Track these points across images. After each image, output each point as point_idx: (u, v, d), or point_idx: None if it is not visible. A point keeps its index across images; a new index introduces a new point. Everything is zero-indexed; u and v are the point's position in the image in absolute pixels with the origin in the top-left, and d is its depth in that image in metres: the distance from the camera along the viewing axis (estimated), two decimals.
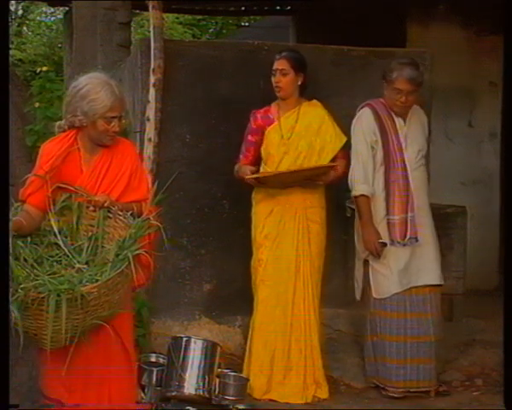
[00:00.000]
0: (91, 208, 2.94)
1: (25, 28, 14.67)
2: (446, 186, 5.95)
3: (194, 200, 4.66)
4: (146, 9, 5.09)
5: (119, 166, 3.04)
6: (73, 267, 2.80)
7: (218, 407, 3.73)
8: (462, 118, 6.41)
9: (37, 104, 4.70)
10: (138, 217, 2.93)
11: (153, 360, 3.88)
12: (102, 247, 2.90)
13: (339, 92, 4.77)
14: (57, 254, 2.87)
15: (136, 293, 4.27)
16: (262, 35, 7.97)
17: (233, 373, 3.88)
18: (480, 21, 6.17)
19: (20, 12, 14.46)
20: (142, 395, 3.69)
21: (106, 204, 2.93)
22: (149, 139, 4.45)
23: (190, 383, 3.64)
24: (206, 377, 3.69)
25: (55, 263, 2.83)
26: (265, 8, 8.73)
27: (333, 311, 4.77)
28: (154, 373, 3.73)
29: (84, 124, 2.97)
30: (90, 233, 2.93)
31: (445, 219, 5.35)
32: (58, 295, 2.60)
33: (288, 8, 8.36)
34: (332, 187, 4.36)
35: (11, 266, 2.65)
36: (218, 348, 3.84)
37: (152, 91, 4.43)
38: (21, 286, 2.60)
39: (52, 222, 2.90)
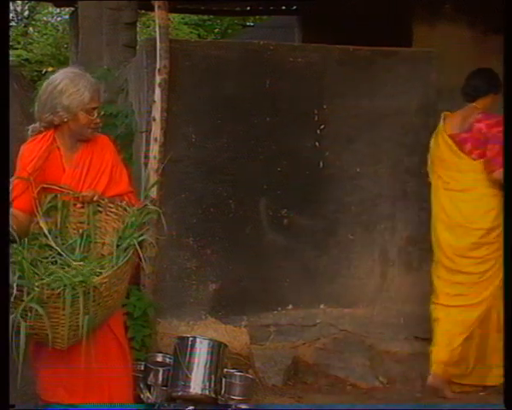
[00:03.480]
0: (79, 205, 2.93)
1: (31, 29, 14.70)
2: None
3: (199, 200, 4.66)
4: (152, 9, 5.09)
5: (100, 160, 3.02)
6: (69, 266, 2.78)
7: (223, 406, 3.74)
8: None
9: None
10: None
11: (159, 359, 3.88)
12: (95, 242, 2.90)
13: (344, 92, 4.77)
14: (50, 255, 2.85)
15: (143, 293, 4.30)
16: (268, 35, 7.98)
17: (239, 373, 3.88)
18: (486, 21, 6.15)
19: (27, 12, 14.50)
20: (149, 394, 3.69)
21: (95, 198, 2.93)
22: (155, 139, 4.45)
23: (196, 383, 3.64)
24: (213, 377, 3.68)
25: (50, 264, 2.81)
26: (271, 7, 8.72)
27: (338, 311, 4.77)
28: (160, 373, 3.73)
29: (65, 119, 2.94)
30: (80, 230, 2.92)
31: None
32: (73, 289, 2.59)
33: (294, 7, 8.36)
34: (329, 188, 4.35)
35: (24, 268, 2.62)
36: (224, 348, 3.84)
37: (158, 91, 4.43)
38: (36, 284, 2.58)
39: (41, 223, 2.87)
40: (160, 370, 3.72)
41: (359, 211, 4.82)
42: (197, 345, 3.72)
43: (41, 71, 10.94)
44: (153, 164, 4.43)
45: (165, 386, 3.70)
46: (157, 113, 4.45)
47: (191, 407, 3.60)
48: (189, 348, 3.72)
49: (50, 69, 4.99)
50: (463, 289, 4.33)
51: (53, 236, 2.88)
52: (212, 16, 11.87)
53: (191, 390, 3.62)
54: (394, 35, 5.65)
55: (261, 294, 4.66)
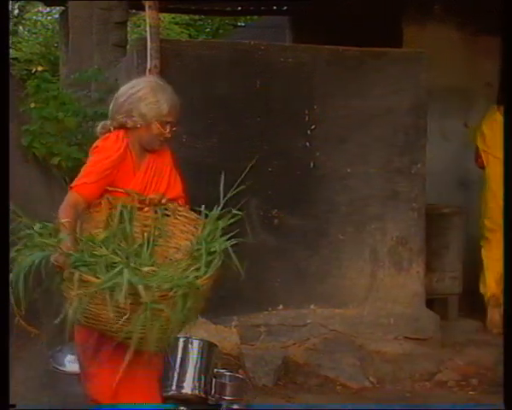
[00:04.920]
0: (146, 209, 2.92)
1: (21, 27, 14.64)
2: (443, 186, 5.96)
3: (190, 200, 4.64)
4: (142, 9, 5.08)
5: (162, 165, 3.03)
6: (140, 271, 2.69)
7: (214, 406, 3.73)
8: (459, 118, 6.41)
9: (32, 104, 4.69)
10: None
11: None
12: (160, 245, 2.88)
13: (334, 93, 4.78)
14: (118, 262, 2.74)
15: None
16: (258, 35, 7.98)
17: (229, 373, 3.88)
18: (475, 22, 6.18)
19: (16, 11, 14.44)
20: None
21: (163, 201, 2.94)
22: None
23: (187, 383, 3.63)
24: (203, 377, 3.67)
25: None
26: (262, 8, 8.72)
27: (328, 311, 4.78)
28: None
29: (138, 125, 2.94)
30: (145, 234, 2.89)
31: (442, 219, 5.38)
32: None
33: (285, 8, 8.36)
34: (320, 188, 4.36)
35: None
36: (215, 348, 3.83)
37: None
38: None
39: (115, 228, 2.80)
40: None
41: (350, 211, 4.83)
42: (188, 345, 3.71)
43: (30, 70, 10.87)
44: None
45: None
46: None
47: (182, 408, 3.60)
48: (179, 349, 3.71)
49: (40, 68, 4.95)
50: None
51: (118, 239, 2.84)
52: (202, 16, 11.86)
53: (182, 390, 3.62)
54: (385, 36, 5.67)
55: (251, 294, 4.66)
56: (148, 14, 4.44)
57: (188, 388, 3.63)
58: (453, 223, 5.38)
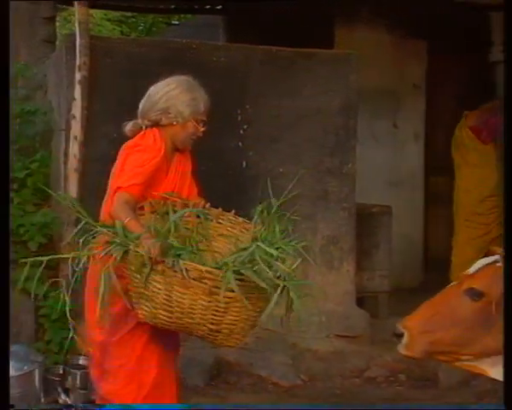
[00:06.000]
0: (187, 213, 2.89)
1: None
2: (373, 186, 6.06)
3: None
4: (72, 4, 4.99)
5: (185, 167, 3.03)
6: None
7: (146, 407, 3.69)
8: (388, 119, 6.53)
9: None
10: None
11: (81, 362, 3.81)
12: (202, 250, 2.86)
13: (267, 93, 4.80)
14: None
15: (59, 293, 4.20)
16: (193, 34, 7.92)
17: None
18: (403, 25, 6.31)
19: None
20: (67, 398, 3.63)
21: (207, 206, 2.94)
22: (75, 137, 4.37)
23: None
24: None
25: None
26: (196, 6, 8.67)
27: None
28: (78, 376, 3.67)
29: (174, 123, 2.91)
30: (186, 238, 2.86)
31: (371, 219, 5.47)
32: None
33: (219, 7, 8.33)
34: (252, 188, 4.35)
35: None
36: None
37: (78, 89, 4.35)
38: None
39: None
40: (78, 373, 3.67)
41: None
42: None
43: None
44: (72, 163, 4.35)
45: (84, 389, 3.64)
46: (77, 110, 4.37)
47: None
48: None
49: None
50: None
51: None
52: (135, 13, 11.71)
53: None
54: (317, 37, 5.72)
55: None
56: (77, 10, 4.36)
57: None
58: (382, 222, 5.47)
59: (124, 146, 2.97)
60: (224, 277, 2.46)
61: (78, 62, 4.33)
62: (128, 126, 3.01)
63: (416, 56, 6.42)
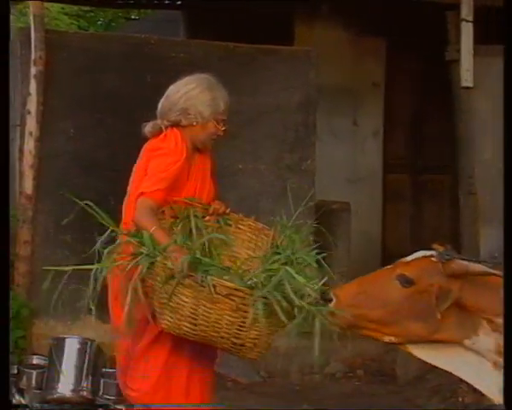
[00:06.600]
0: (207, 217, 2.84)
1: None
2: (332, 183, 6.09)
3: (78, 196, 4.51)
4: None
5: (204, 169, 2.96)
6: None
7: (102, 407, 3.65)
8: (347, 116, 6.57)
9: None
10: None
11: (34, 362, 3.75)
12: (221, 254, 2.84)
13: (225, 89, 4.77)
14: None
15: (16, 293, 4.13)
16: (152, 29, 7.86)
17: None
18: (361, 23, 6.35)
19: None
20: (21, 399, 3.57)
21: (227, 211, 2.89)
22: (30, 133, 4.31)
23: (70, 384, 3.55)
24: (90, 377, 3.60)
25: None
26: (155, 1, 8.60)
27: None
28: (34, 376, 3.61)
29: (195, 123, 2.83)
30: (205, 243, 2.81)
31: (330, 216, 5.48)
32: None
33: (179, 2, 8.28)
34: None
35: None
36: (98, 347, 3.76)
37: (33, 83, 4.29)
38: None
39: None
40: (34, 372, 3.61)
41: (240, 208, 4.84)
42: (72, 345, 3.62)
43: None
44: (28, 159, 4.29)
45: (40, 389, 3.58)
46: (32, 106, 4.31)
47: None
48: (63, 349, 3.62)
49: None
50: None
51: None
52: (94, 8, 11.57)
53: (66, 392, 3.53)
54: (277, 34, 5.72)
55: None
56: (32, 3, 4.30)
57: (69, 389, 3.55)
58: (341, 219, 5.50)
59: (144, 148, 2.89)
60: (253, 304, 2.47)
61: (33, 57, 4.27)
62: (148, 127, 2.92)
63: (374, 54, 6.47)
